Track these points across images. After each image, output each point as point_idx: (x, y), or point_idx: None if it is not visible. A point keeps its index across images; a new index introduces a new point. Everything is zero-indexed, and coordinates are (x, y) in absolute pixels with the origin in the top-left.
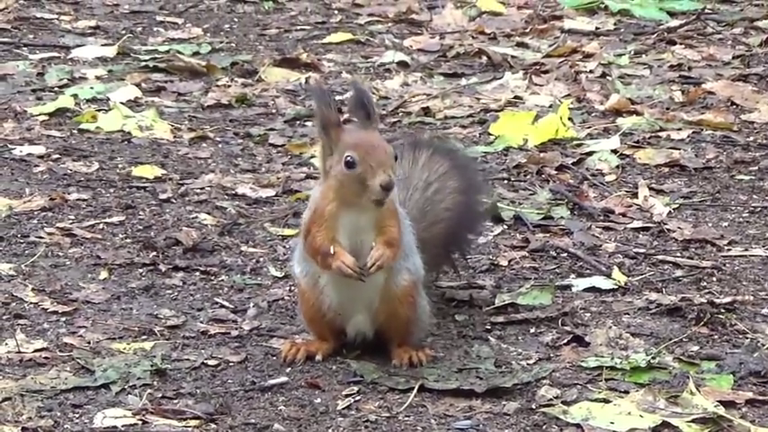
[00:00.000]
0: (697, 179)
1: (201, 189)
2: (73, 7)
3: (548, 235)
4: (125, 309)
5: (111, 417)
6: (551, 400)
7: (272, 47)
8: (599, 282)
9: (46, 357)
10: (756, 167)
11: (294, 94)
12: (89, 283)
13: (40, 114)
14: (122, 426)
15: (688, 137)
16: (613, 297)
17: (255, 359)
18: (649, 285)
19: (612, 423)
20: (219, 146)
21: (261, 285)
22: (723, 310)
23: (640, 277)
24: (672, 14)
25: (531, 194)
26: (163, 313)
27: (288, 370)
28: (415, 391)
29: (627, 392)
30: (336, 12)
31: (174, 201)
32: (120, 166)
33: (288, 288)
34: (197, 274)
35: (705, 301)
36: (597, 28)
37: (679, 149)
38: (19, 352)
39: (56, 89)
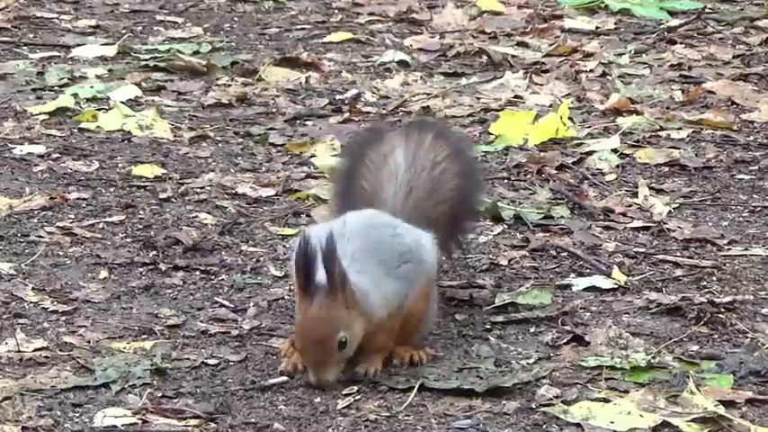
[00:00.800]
0: (697, 178)
1: (202, 188)
2: (73, 6)
3: (548, 234)
4: (125, 308)
5: (112, 416)
6: (551, 399)
7: (273, 46)
8: (599, 281)
9: (46, 356)
10: (756, 167)
11: (294, 93)
12: (89, 282)
13: (40, 113)
14: (122, 425)
15: (688, 136)
16: (613, 296)
17: (255, 358)
18: (649, 285)
19: (612, 422)
20: (220, 145)
21: (261, 285)
22: (723, 310)
23: (640, 277)
24: (672, 14)
25: (531, 194)
26: (163, 312)
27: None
28: (415, 390)
29: (627, 392)
30: (337, 11)
31: (174, 200)
32: (120, 165)
33: (288, 287)
34: (197, 273)
35: (705, 300)
36: (597, 27)
37: (679, 149)
38: (19, 351)
39: (56, 88)
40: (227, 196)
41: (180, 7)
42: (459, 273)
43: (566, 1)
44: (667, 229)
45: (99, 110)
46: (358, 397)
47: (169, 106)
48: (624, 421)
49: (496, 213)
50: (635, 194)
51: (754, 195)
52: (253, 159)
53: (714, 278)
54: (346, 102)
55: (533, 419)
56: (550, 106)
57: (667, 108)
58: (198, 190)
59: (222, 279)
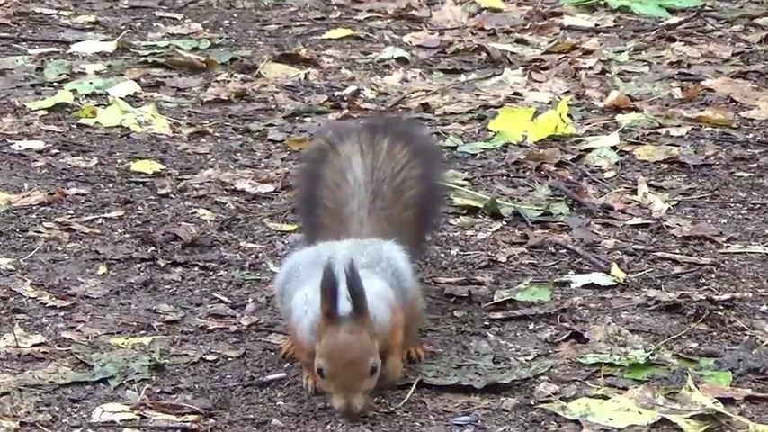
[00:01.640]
0: (696, 176)
1: (200, 184)
2: (72, 2)
3: (547, 231)
4: (124, 304)
5: (110, 411)
6: (550, 396)
7: (272, 42)
8: (598, 278)
9: (44, 352)
10: (755, 164)
11: (293, 89)
12: (88, 277)
13: (39, 109)
14: (120, 420)
15: (687, 134)
16: (612, 293)
17: (254, 354)
18: (648, 282)
19: (611, 419)
20: (218, 141)
21: (260, 281)
22: (722, 307)
23: (639, 274)
24: (671, 11)
25: (530, 191)
26: (161, 308)
27: (286, 365)
28: (413, 387)
29: (625, 389)
30: (336, 8)
31: (172, 196)
32: (119, 161)
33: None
34: (196, 269)
35: (704, 297)
36: (597, 25)
37: (678, 146)
38: (17, 346)
39: (55, 84)
40: (225, 192)
41: (179, 3)
42: (457, 269)
43: None
44: (666, 226)
45: (98, 106)
46: None
47: (168, 102)
48: (623, 418)
49: (495, 210)
50: (634, 192)
51: (753, 193)
52: (252, 155)
53: (713, 275)
54: (345, 98)
55: (532, 416)
56: (549, 103)
57: (666, 105)
58: (197, 186)
59: (221, 275)
